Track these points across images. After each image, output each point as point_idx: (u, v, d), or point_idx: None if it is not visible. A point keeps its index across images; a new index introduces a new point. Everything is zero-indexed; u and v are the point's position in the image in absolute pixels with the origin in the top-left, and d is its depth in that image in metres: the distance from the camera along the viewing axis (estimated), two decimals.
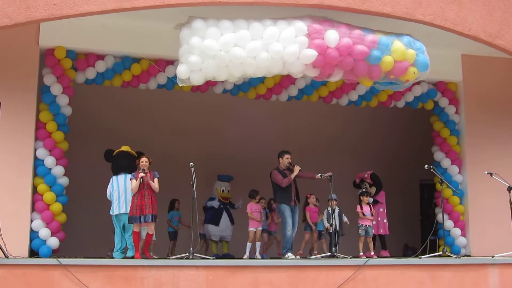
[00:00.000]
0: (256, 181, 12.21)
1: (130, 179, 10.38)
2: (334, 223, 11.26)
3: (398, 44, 8.94)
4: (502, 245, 11.56)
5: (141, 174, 10.35)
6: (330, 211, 11.48)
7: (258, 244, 11.54)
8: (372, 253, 11.71)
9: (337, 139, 15.55)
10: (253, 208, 11.60)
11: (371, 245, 11.87)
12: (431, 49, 10.25)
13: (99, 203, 10.64)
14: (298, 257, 11.31)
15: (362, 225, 11.80)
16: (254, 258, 11.12)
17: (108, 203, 10.60)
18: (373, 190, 12.66)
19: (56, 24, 10.40)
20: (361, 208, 11.88)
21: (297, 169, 11.21)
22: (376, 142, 15.78)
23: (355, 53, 8.80)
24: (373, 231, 11.94)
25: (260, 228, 11.59)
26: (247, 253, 11.49)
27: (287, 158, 11.35)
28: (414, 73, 9.20)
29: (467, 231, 12.61)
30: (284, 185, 11.16)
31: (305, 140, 15.23)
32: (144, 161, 10.44)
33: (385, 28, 10.02)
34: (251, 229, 11.53)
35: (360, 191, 12.36)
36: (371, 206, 12.04)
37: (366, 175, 12.76)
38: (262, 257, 11.51)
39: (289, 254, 10.96)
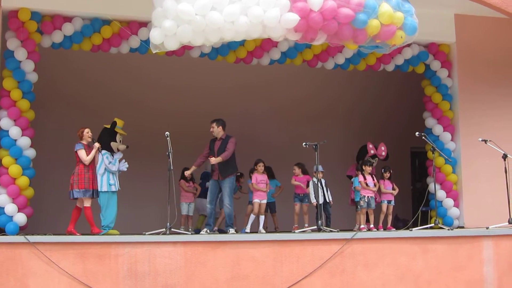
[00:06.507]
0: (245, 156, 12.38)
1: (76, 150, 10.60)
2: (318, 195, 11.47)
3: (385, 7, 9.05)
4: (497, 215, 11.83)
5: (98, 144, 10.73)
6: (317, 183, 11.66)
7: (261, 217, 11.65)
8: (372, 225, 12.05)
9: (325, 107, 15.79)
10: (259, 179, 11.78)
11: (372, 217, 12.13)
12: (422, 9, 10.29)
13: (68, 176, 10.74)
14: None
15: (364, 196, 12.01)
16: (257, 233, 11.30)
17: None
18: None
19: None
20: (364, 179, 12.08)
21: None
22: (365, 109, 16.01)
23: (339, 16, 8.90)
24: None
25: (264, 201, 11.74)
26: (249, 226, 11.56)
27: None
28: (401, 37, 9.34)
29: (460, 201, 12.85)
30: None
31: (294, 109, 15.54)
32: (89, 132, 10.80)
33: None
34: (256, 200, 11.63)
35: (363, 160, 12.58)
36: (373, 176, 12.24)
37: (383, 153, 13.00)
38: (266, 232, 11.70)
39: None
